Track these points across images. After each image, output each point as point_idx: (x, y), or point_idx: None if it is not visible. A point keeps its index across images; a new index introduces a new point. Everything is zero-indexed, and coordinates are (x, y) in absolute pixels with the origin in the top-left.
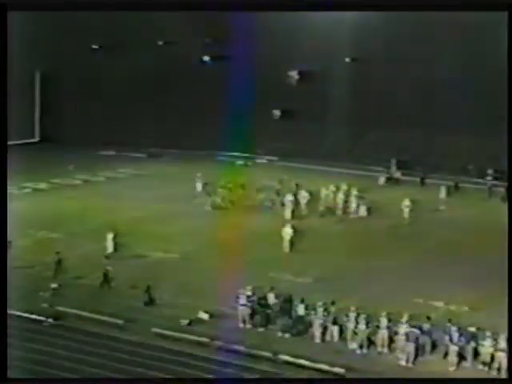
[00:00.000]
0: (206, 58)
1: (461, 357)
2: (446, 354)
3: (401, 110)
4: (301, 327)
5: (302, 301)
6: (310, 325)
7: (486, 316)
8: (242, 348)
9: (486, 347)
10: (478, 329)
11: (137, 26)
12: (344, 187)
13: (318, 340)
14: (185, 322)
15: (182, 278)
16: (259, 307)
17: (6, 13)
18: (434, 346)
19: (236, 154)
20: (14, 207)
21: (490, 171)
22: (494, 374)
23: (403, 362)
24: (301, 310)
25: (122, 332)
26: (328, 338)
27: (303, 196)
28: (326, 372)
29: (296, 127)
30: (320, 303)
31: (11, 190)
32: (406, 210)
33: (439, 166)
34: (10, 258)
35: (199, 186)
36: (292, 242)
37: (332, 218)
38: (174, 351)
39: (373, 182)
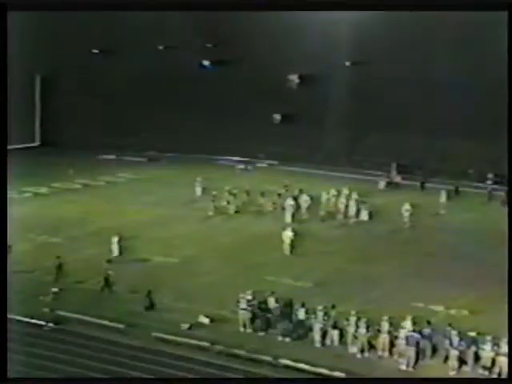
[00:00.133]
0: (206, 63)
1: (461, 361)
2: (446, 359)
3: (401, 114)
4: (301, 331)
5: (303, 305)
6: (311, 329)
7: (487, 320)
8: (242, 352)
9: (487, 351)
10: (479, 333)
11: (137, 29)
12: (345, 191)
13: (318, 344)
14: (185, 326)
15: (182, 283)
16: (259, 311)
17: (6, 13)
18: (434, 350)
19: (236, 158)
20: (14, 211)
21: (490, 175)
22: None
23: (403, 367)
24: (301, 314)
25: (122, 336)
26: (328, 342)
27: (304, 200)
28: (326, 376)
29: (296, 131)
30: (320, 307)
31: (11, 194)
32: (406, 215)
33: (439, 170)
34: (10, 262)
35: (199, 191)
36: (292, 246)
37: (332, 222)
38: (174, 355)
39: (373, 186)
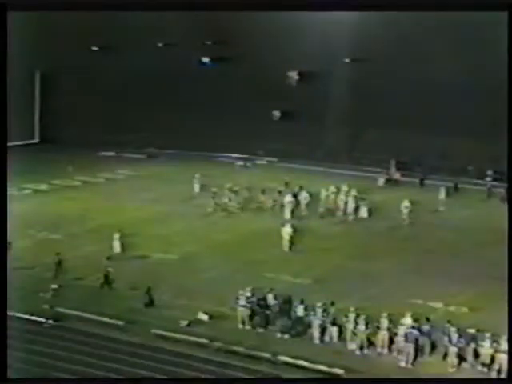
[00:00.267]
0: (206, 60)
1: (460, 358)
2: (445, 355)
3: (400, 111)
4: (300, 328)
5: (302, 302)
6: (310, 326)
7: (486, 317)
8: (241, 349)
9: (486, 348)
10: (478, 330)
11: (136, 27)
12: (345, 188)
13: (317, 341)
14: (184, 323)
15: (181, 279)
16: (259, 308)
17: (6, 13)
18: (433, 347)
19: (236, 155)
20: (13, 208)
21: (489, 172)
22: (493, 375)
23: (403, 363)
24: (300, 310)
25: (122, 333)
26: (327, 338)
27: (304, 197)
28: (325, 373)
29: (296, 128)
30: (319, 304)
31: (11, 191)
32: (406, 211)
33: (439, 166)
34: (10, 259)
35: (197, 187)
36: (292, 242)
37: (332, 219)
38: (173, 352)
39: (372, 183)
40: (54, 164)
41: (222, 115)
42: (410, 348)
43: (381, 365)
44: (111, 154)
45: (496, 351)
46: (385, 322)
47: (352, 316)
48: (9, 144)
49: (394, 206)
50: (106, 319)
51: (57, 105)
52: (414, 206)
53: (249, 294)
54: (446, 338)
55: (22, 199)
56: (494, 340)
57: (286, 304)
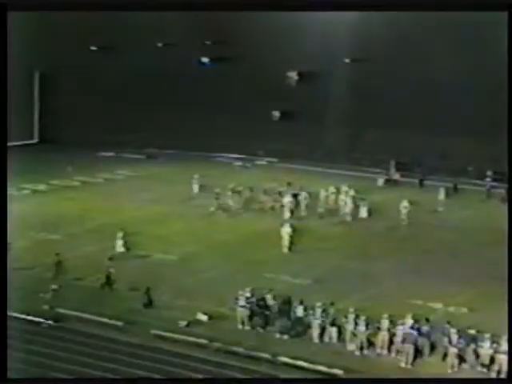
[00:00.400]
0: (205, 60)
1: (460, 359)
2: (445, 356)
3: (400, 111)
4: (299, 328)
5: (301, 302)
6: (309, 326)
7: (485, 318)
8: (240, 349)
9: (486, 349)
10: (478, 331)
11: (136, 27)
12: (344, 188)
13: (316, 341)
14: (183, 323)
15: (180, 280)
16: (258, 308)
17: (6, 13)
18: (433, 347)
19: (235, 155)
20: (13, 208)
21: (489, 173)
22: (493, 375)
23: (402, 364)
24: (300, 311)
25: (121, 334)
26: (327, 339)
27: (303, 197)
28: (325, 373)
29: (295, 128)
30: (319, 304)
31: (11, 191)
32: (405, 212)
33: (438, 167)
34: (9, 259)
35: (196, 188)
36: (291, 243)
37: (331, 219)
38: (172, 353)
39: (372, 184)
40: (53, 164)
41: (222, 115)
42: (410, 348)
43: (380, 365)
44: (111, 154)
45: (496, 352)
46: (385, 323)
47: (351, 316)
48: (8, 144)
49: (394, 207)
50: (105, 320)
51: (56, 105)
52: (414, 206)
53: (248, 295)
54: (446, 339)
55: (22, 199)
56: (494, 341)
57: (286, 304)
